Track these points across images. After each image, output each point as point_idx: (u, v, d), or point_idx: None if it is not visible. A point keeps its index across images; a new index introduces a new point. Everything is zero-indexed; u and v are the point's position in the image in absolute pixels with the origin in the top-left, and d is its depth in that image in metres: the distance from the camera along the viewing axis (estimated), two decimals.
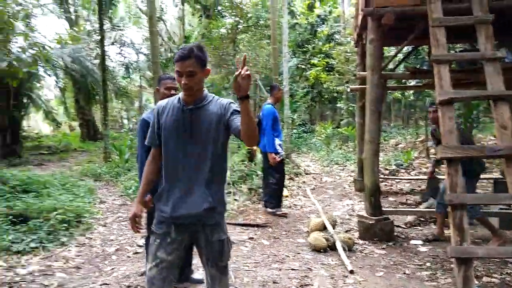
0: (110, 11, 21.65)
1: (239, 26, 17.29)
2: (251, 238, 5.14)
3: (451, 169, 3.66)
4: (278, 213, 6.12)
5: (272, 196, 6.21)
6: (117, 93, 22.44)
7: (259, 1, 16.82)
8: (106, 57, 15.13)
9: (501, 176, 6.65)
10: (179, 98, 2.32)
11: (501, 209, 5.25)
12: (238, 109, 2.19)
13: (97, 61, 18.80)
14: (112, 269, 4.25)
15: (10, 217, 5.34)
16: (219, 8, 19.15)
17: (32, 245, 4.88)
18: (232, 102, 2.28)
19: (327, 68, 16.16)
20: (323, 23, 18.74)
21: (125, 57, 23.15)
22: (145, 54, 24.57)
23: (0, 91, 14.07)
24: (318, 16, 18.57)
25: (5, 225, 5.13)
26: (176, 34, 25.66)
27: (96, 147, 17.45)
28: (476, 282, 3.49)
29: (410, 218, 5.73)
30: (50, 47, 9.08)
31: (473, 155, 3.86)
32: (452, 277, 3.72)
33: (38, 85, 18.11)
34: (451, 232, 3.55)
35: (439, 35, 4.23)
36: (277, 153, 5.98)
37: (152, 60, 7.79)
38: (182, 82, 2.16)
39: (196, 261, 4.14)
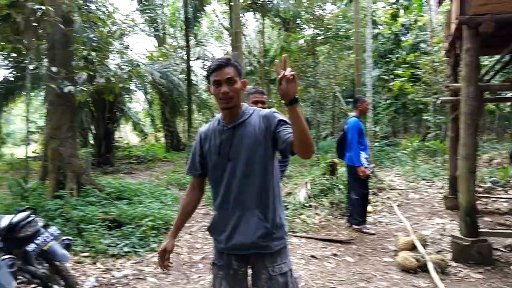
0: (195, 27, 22.80)
1: (318, 38, 17.25)
2: (334, 254, 5.03)
3: None
4: (364, 230, 5.93)
5: (357, 212, 6.04)
6: (200, 106, 23.44)
7: (340, 12, 16.64)
8: (191, 71, 15.88)
9: None
10: (218, 120, 2.15)
11: None
12: (284, 118, 1.99)
13: (182, 76, 19.83)
14: (199, 277, 4.40)
15: (106, 222, 5.76)
16: (298, 20, 19.28)
17: (126, 249, 5.22)
18: (276, 112, 2.04)
19: (412, 79, 15.48)
20: (408, 32, 18.05)
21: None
22: None
23: (98, 105, 15.38)
24: (403, 25, 17.91)
25: (102, 230, 5.55)
26: (256, 47, 26.29)
27: (179, 157, 18.31)
28: None
29: (510, 240, 5.23)
30: (143, 63, 9.73)
31: None
32: None
33: (129, 98, 19.53)
34: None
35: None
36: (365, 167, 5.82)
37: None
38: (222, 91, 1.98)
39: None
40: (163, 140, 25.75)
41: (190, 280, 4.34)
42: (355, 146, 5.79)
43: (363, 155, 5.83)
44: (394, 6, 18.18)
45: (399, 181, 10.67)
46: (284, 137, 1.91)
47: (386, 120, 18.59)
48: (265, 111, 2.07)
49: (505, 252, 5.04)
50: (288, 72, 1.71)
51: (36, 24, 9.01)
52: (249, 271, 2.15)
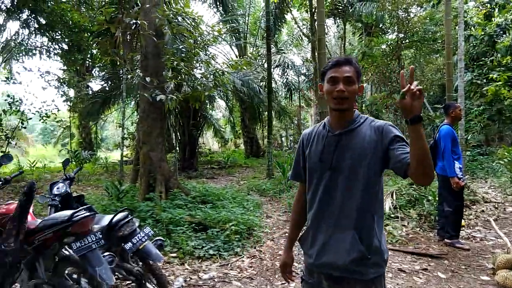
0: (275, 35, 23.09)
1: (403, 42, 16.58)
2: (425, 269, 4.76)
3: None
4: (457, 245, 5.54)
5: (450, 225, 5.66)
6: (279, 113, 23.65)
7: (427, 15, 15.85)
8: (272, 79, 16.11)
9: None
10: (324, 124, 1.99)
11: None
12: (401, 135, 1.80)
13: (262, 83, 20.15)
14: (282, 284, 4.39)
15: (193, 224, 5.99)
16: (381, 24, 18.70)
17: (211, 252, 5.38)
18: (392, 125, 1.84)
19: (508, 83, 14.23)
20: (504, 33, 16.63)
21: (287, 79, 24.34)
22: (305, 75, 25.42)
23: (183, 112, 16.16)
24: (498, 25, 16.55)
25: (189, 232, 5.78)
26: (337, 53, 25.95)
27: (258, 163, 18.58)
28: None
29: None
30: (227, 72, 10.04)
31: None
32: None
33: (211, 106, 20.26)
34: None
35: None
36: (459, 177, 5.45)
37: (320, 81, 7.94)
38: (337, 89, 1.80)
39: None
40: (242, 146, 26.37)
41: (274, 286, 4.36)
42: (448, 155, 5.45)
43: (456, 165, 5.46)
44: (488, 5, 16.87)
45: (494, 194, 9.84)
46: (400, 156, 1.72)
47: (479, 127, 17.25)
48: (379, 122, 1.88)
49: None
50: (414, 85, 1.58)
51: (131, 38, 9.74)
52: None
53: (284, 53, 24.09)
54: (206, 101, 16.76)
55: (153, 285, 3.69)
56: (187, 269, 4.88)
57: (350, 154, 1.84)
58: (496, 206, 8.48)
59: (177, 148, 17.05)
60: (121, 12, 9.13)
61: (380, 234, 1.85)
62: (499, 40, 16.32)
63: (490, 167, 13.63)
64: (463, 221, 6.74)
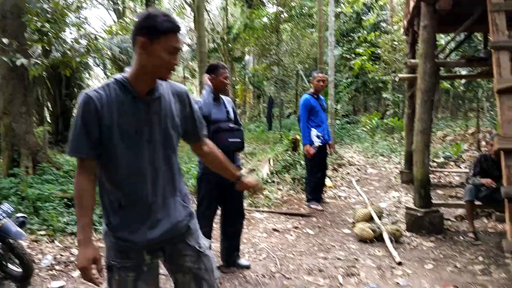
0: (156, 2, 22.12)
1: (282, 16, 17.20)
2: (296, 227, 5.15)
3: (509, 160, 3.51)
4: (312, 206, 5.98)
5: (307, 189, 6.18)
6: None
7: None
8: None
9: None
10: (122, 87, 1.67)
11: None
12: (198, 110, 1.93)
13: None
14: None
15: (65, 200, 5.62)
16: None
17: None
18: (189, 95, 1.85)
19: (372, 58, 15.78)
20: (369, 12, 18.27)
21: None
22: (188, 45, 25.00)
23: (55, 81, 14.77)
24: (364, 4, 18.11)
25: (61, 208, 5.41)
26: (219, 24, 25.90)
27: None
28: None
29: (460, 211, 5.54)
30: (102, 37, 9.38)
31: None
32: (507, 272, 3.58)
33: (87, 75, 18.85)
34: (508, 226, 3.42)
35: (498, 21, 4.03)
36: (317, 145, 5.79)
37: (199, 50, 7.89)
38: (175, 62, 1.66)
39: (243, 247, 4.22)
40: None
41: None
42: (303, 124, 5.79)
43: (314, 132, 5.78)
44: None
45: (359, 157, 10.98)
46: (194, 133, 1.94)
47: (347, 98, 18.95)
48: (178, 87, 1.83)
49: (455, 221, 5.34)
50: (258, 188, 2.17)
51: None
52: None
53: None
54: (80, 69, 15.52)
55: (16, 265, 3.41)
56: (58, 246, 4.59)
57: (163, 121, 1.72)
58: (359, 168, 9.49)
59: (49, 120, 15.62)
60: None
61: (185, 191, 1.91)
62: (364, 18, 17.85)
63: (356, 134, 15.13)
64: (330, 182, 7.43)
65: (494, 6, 4.05)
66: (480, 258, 4.03)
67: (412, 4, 5.57)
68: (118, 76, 1.71)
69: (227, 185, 3.55)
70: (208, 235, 3.53)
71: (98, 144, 1.65)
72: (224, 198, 3.58)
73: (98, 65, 18.01)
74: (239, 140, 3.44)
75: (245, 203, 6.15)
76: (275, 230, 5.04)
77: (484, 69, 5.86)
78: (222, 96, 3.65)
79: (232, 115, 3.60)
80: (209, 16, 22.84)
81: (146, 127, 1.69)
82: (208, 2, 22.40)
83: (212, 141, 3.33)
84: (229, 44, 19.59)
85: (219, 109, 3.51)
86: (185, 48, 25.29)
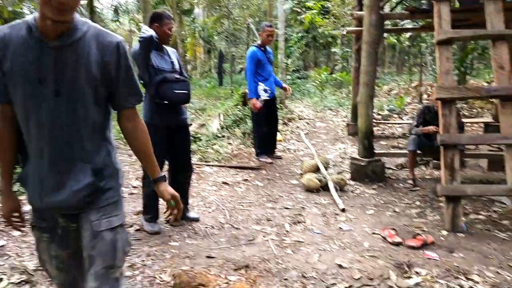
0: None
1: None
2: (245, 180, 5.22)
3: (446, 109, 3.68)
4: (261, 159, 6.05)
5: (255, 143, 6.23)
6: None
7: None
8: None
9: (492, 120, 6.71)
10: (29, 28, 1.42)
11: (489, 151, 5.34)
12: (132, 67, 1.58)
13: (84, 2, 18.12)
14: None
15: None
16: None
17: None
18: (124, 50, 1.52)
19: (322, 12, 15.73)
20: None
21: None
22: None
23: None
24: None
25: None
26: None
27: None
28: (463, 219, 3.61)
29: (400, 160, 5.82)
30: None
31: (468, 96, 3.87)
32: (440, 214, 3.85)
33: None
34: (442, 171, 3.63)
35: None
36: (258, 98, 5.71)
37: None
38: None
39: (192, 200, 4.24)
40: None
41: None
42: (250, 78, 5.70)
43: (261, 86, 5.71)
44: None
45: (308, 112, 11.15)
46: (122, 99, 1.59)
47: (298, 53, 18.93)
48: (109, 36, 1.51)
49: (396, 170, 5.62)
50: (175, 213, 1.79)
51: None
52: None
53: None
54: (14, 19, 14.37)
55: None
56: None
57: (74, 73, 1.44)
58: (308, 122, 9.67)
59: None
60: None
61: (112, 153, 1.66)
62: None
63: (306, 89, 15.28)
64: (280, 136, 7.52)
65: None
66: (417, 203, 4.30)
67: None
68: (31, 16, 1.46)
69: (174, 136, 3.51)
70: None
71: (4, 88, 1.46)
72: (171, 149, 3.53)
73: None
74: (185, 91, 3.36)
75: (195, 158, 6.13)
76: (225, 183, 5.08)
77: (427, 21, 6.01)
78: (166, 47, 3.51)
79: (177, 66, 3.49)
80: None
81: (51, 76, 1.42)
82: None
83: (157, 92, 3.26)
84: None
85: (163, 60, 3.38)
86: None
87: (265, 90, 5.74)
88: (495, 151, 5.22)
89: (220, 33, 22.62)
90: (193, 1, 21.12)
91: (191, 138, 6.91)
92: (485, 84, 11.12)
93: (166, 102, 3.28)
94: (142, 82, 3.33)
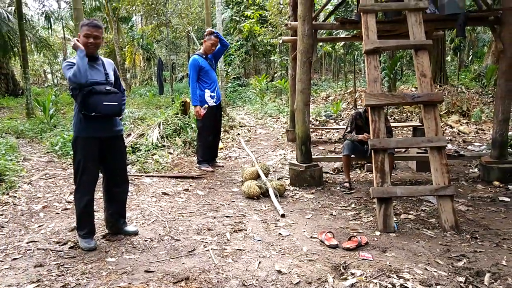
0: None
1: None
2: (186, 190, 5.17)
3: (375, 115, 3.87)
4: (203, 168, 6.06)
5: (197, 151, 6.23)
6: (38, 45, 20.78)
7: None
8: (21, 3, 13.79)
9: (420, 124, 7.15)
10: None
11: (418, 153, 5.68)
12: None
13: (11, 8, 17.12)
14: (40, 226, 4.10)
15: None
16: None
17: None
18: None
19: (260, 20, 16.00)
20: None
21: (44, 5, 21.35)
22: (67, 2, 22.79)
23: None
24: None
25: None
26: None
27: (17, 103, 16.28)
28: (395, 219, 3.81)
29: (337, 164, 6.04)
30: None
31: (395, 102, 4.10)
32: (374, 216, 4.03)
33: None
34: (374, 174, 3.81)
35: None
36: (201, 105, 5.81)
37: (74, 7, 7.20)
38: None
39: (130, 213, 4.13)
40: None
41: (29, 230, 4.02)
42: (192, 86, 5.77)
43: (207, 93, 5.81)
44: None
45: (249, 119, 11.27)
46: None
47: (238, 61, 19.10)
48: None
49: (333, 174, 5.82)
50: None
51: None
52: None
53: None
54: None
55: None
56: None
57: None
58: (249, 129, 9.76)
59: None
60: None
61: None
62: None
63: (247, 97, 15.44)
64: (221, 144, 7.54)
65: None
66: (353, 205, 4.47)
67: None
68: None
69: (107, 147, 3.40)
70: (90, 204, 3.37)
71: None
72: (105, 163, 3.42)
73: None
74: (115, 103, 3.26)
75: (134, 169, 5.99)
76: (165, 194, 5.00)
77: (358, 31, 6.30)
78: (104, 58, 3.42)
79: (112, 78, 3.39)
80: None
81: None
82: None
83: (84, 104, 3.15)
84: (114, 3, 18.24)
85: (94, 71, 3.28)
86: (63, 5, 23.02)
87: (212, 97, 5.87)
88: (422, 153, 5.56)
89: (160, 41, 22.26)
90: (130, 8, 20.63)
91: (130, 148, 6.78)
92: (414, 89, 11.83)
93: (93, 114, 3.18)
94: (71, 93, 3.22)
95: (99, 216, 3.97)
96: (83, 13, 19.13)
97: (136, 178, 5.57)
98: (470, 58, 18.16)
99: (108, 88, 3.25)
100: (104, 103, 3.17)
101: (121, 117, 3.57)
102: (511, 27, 4.82)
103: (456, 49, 13.63)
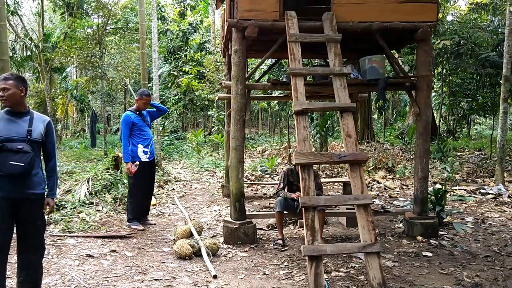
0: None
1: (107, 28, 16.43)
2: (113, 251, 4.88)
3: (305, 174, 3.97)
4: (133, 227, 5.81)
5: (127, 209, 6.02)
6: None
7: (128, 4, 16.21)
8: None
9: (349, 180, 7.43)
10: None
11: (348, 209, 5.86)
12: None
13: None
14: None
15: None
16: (85, 6, 17.97)
17: None
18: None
19: (198, 76, 16.32)
20: (195, 32, 18.90)
21: None
22: None
23: None
24: (190, 24, 18.66)
25: None
26: (35, 31, 23.33)
27: None
28: (326, 277, 3.83)
29: (271, 220, 6.05)
30: None
31: (323, 161, 4.26)
32: (306, 274, 4.02)
33: None
34: (304, 232, 3.84)
35: (295, 50, 4.58)
36: (133, 162, 5.71)
37: (0, 58, 6.88)
38: None
39: (48, 279, 3.80)
40: None
41: None
42: (124, 142, 5.72)
43: (140, 148, 5.76)
44: (182, 4, 18.77)
45: (185, 173, 11.13)
46: None
47: (176, 114, 19.11)
48: None
49: (267, 230, 5.81)
50: None
51: None
52: None
53: None
54: None
55: None
56: None
57: None
58: (185, 184, 9.61)
59: None
60: None
61: None
62: (191, 37, 18.39)
63: (184, 150, 15.34)
64: (154, 200, 7.31)
65: (291, 37, 4.61)
66: (286, 263, 4.45)
67: (226, 28, 5.94)
68: None
69: (20, 210, 3.12)
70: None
71: None
72: (17, 225, 3.14)
73: None
74: (21, 164, 2.99)
75: (57, 228, 5.59)
76: (89, 256, 4.68)
77: (290, 91, 6.61)
78: (36, 114, 3.22)
79: (36, 135, 3.16)
80: (22, 21, 20.37)
81: None
82: (19, 4, 19.94)
83: None
84: (47, 53, 17.77)
85: (13, 125, 3.08)
86: None
87: (145, 152, 5.79)
88: (351, 209, 5.73)
89: (95, 92, 21.83)
90: (66, 59, 20.21)
91: (55, 206, 6.35)
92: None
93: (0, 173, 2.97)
94: None
95: (12, 283, 3.61)
96: (13, 64, 18.35)
97: (59, 239, 5.19)
98: (394, 117, 19.57)
99: (19, 146, 3.03)
100: (10, 162, 2.96)
101: (49, 177, 3.32)
102: (425, 93, 5.29)
103: (381, 108, 14.67)
